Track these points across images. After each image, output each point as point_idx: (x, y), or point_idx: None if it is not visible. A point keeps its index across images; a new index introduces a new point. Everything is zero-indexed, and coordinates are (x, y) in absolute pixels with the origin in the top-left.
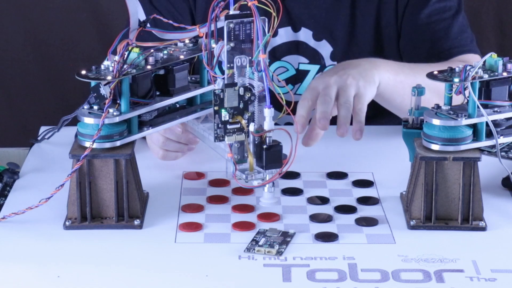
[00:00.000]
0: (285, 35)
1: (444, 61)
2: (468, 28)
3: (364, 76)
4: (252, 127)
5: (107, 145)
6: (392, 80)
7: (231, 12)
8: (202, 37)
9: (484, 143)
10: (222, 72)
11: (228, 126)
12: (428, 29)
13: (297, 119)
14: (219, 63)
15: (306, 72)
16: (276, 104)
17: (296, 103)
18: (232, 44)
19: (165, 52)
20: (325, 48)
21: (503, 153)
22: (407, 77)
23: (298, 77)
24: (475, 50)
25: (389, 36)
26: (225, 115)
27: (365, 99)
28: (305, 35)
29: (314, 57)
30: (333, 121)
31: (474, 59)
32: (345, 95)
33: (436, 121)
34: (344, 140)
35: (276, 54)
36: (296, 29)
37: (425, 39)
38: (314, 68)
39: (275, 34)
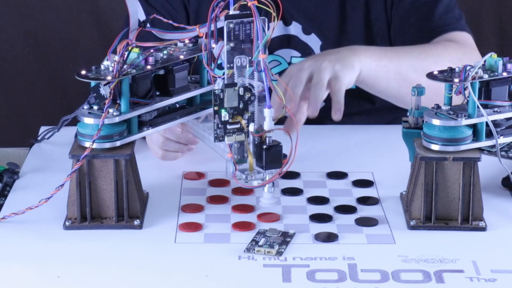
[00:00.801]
0: (276, 29)
1: (428, 42)
2: (456, 8)
3: (342, 60)
4: (252, 127)
5: (107, 145)
6: (374, 65)
7: (231, 12)
8: (202, 37)
9: (484, 143)
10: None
11: (228, 126)
12: (413, 14)
13: (272, 103)
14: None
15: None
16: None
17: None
18: (232, 44)
19: (165, 52)
20: (314, 42)
21: (503, 153)
22: (391, 60)
23: None
24: (462, 27)
25: (379, 28)
26: (225, 115)
27: (342, 81)
28: (295, 29)
29: (305, 50)
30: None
31: (459, 37)
32: (317, 77)
33: (436, 121)
34: (344, 140)
35: (268, 48)
36: (287, 23)
37: (410, 23)
38: None
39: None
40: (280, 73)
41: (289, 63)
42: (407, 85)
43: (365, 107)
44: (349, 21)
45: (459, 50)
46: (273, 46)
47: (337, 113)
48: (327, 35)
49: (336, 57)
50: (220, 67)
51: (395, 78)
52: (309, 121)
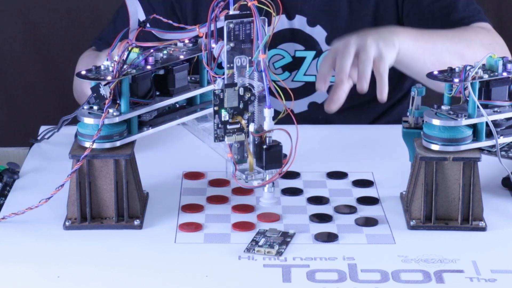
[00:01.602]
0: (279, 23)
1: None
2: (473, 0)
3: (384, 39)
4: (252, 127)
5: (107, 145)
6: (412, 46)
7: (231, 12)
8: (202, 37)
9: (484, 143)
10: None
11: (228, 126)
12: (435, 8)
13: (318, 76)
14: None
15: (302, 59)
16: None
17: (292, 92)
18: (232, 44)
19: (165, 52)
20: (320, 34)
21: (503, 153)
22: (427, 42)
23: (294, 64)
24: (485, 19)
25: (388, 17)
26: (225, 115)
27: (386, 61)
28: (299, 22)
29: (310, 43)
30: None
31: (484, 26)
32: (365, 53)
33: (436, 121)
34: (344, 140)
35: (271, 42)
36: (290, 17)
37: (434, 17)
38: (310, 54)
39: (269, 23)
40: (284, 67)
41: (293, 57)
42: (441, 66)
43: (355, 101)
44: (355, 12)
45: (489, 36)
46: (277, 40)
47: (383, 93)
48: (332, 26)
49: (378, 35)
50: (220, 66)
51: (431, 59)
52: (309, 122)
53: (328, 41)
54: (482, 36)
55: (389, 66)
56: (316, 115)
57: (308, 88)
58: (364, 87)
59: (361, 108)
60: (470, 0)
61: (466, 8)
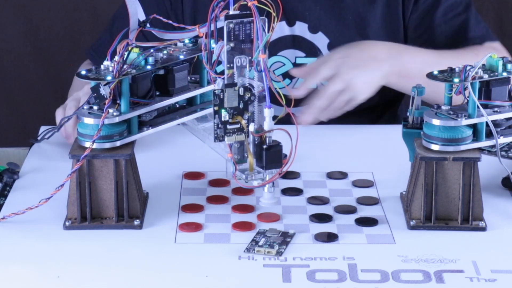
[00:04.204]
0: (279, 29)
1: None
2: (480, 18)
3: (367, 75)
4: (252, 127)
5: (107, 145)
6: (419, 64)
7: (231, 12)
8: (202, 37)
9: (484, 143)
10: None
11: (228, 126)
12: (447, 26)
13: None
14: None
15: (303, 66)
16: (275, 102)
17: (294, 99)
18: (232, 44)
19: (165, 52)
20: (321, 40)
21: (503, 153)
22: (435, 63)
23: None
24: (494, 38)
25: (393, 26)
26: (225, 115)
27: (355, 102)
28: (300, 28)
29: (311, 50)
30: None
31: (498, 46)
32: (332, 85)
33: (436, 121)
34: (344, 140)
35: (271, 49)
36: (290, 24)
37: (446, 36)
38: (311, 61)
39: (269, 24)
40: (284, 74)
41: (294, 64)
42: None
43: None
44: (361, 18)
45: (500, 54)
46: (277, 46)
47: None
48: (334, 33)
49: (364, 67)
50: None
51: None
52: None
53: (330, 47)
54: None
55: (363, 99)
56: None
57: (309, 95)
58: (305, 117)
59: (362, 114)
60: (478, 17)
61: (476, 27)
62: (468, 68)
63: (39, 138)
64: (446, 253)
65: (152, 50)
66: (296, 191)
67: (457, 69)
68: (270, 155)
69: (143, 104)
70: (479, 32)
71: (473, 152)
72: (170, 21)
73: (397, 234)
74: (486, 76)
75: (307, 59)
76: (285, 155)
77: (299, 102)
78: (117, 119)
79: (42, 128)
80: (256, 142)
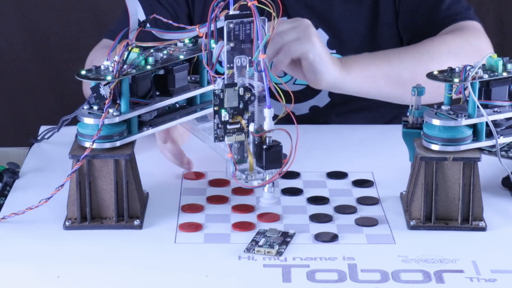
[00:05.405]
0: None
1: (437, 32)
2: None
3: (316, 57)
4: (252, 127)
5: (107, 145)
6: (358, 79)
7: (231, 12)
8: (202, 37)
9: (484, 143)
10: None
11: (228, 126)
12: (422, 5)
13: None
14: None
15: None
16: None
17: (294, 95)
18: (232, 44)
19: (165, 52)
20: (321, 37)
21: (503, 153)
22: (379, 67)
23: None
24: (470, 17)
25: (386, 21)
26: (225, 115)
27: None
28: None
29: None
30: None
31: (467, 25)
32: (287, 54)
33: (436, 121)
34: (344, 140)
35: None
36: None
37: (420, 15)
38: None
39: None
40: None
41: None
42: (400, 86)
43: (362, 103)
44: (355, 14)
45: (460, 38)
46: None
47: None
48: (333, 30)
49: (318, 51)
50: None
51: (387, 83)
52: (310, 121)
53: (330, 44)
54: (450, 40)
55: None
56: (317, 119)
57: (310, 92)
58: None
59: (361, 112)
60: None
61: (452, 7)
62: (468, 68)
63: (39, 138)
64: (446, 253)
65: (152, 50)
66: (296, 191)
67: (457, 69)
68: (270, 155)
69: (143, 104)
70: (450, 13)
71: (473, 152)
72: (170, 21)
73: (397, 234)
74: (486, 76)
75: None
76: (285, 155)
77: (299, 100)
78: (117, 119)
79: (42, 128)
80: (256, 142)
